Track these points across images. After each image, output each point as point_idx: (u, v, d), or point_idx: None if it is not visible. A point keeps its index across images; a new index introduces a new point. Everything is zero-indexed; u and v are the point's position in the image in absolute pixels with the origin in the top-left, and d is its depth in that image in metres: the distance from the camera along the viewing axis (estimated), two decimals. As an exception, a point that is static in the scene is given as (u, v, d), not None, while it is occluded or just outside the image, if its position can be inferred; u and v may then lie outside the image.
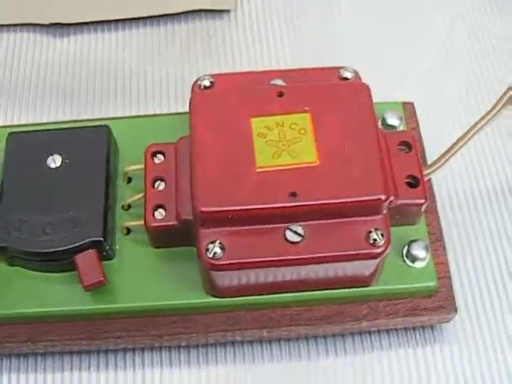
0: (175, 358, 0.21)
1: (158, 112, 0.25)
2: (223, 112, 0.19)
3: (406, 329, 0.22)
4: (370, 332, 0.22)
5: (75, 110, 0.26)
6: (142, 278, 0.20)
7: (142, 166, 0.21)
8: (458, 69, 0.27)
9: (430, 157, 0.22)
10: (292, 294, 0.20)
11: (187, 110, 0.22)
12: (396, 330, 0.22)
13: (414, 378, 0.21)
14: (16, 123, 0.25)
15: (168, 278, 0.20)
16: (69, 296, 0.20)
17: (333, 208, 0.18)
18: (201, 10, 0.27)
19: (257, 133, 0.19)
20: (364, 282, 0.20)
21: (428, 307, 0.20)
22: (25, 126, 0.23)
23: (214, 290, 0.20)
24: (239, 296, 0.20)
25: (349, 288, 0.20)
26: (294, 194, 0.18)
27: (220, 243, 0.18)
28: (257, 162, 0.18)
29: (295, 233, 0.18)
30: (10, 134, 0.22)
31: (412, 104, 0.23)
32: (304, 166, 0.18)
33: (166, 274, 0.20)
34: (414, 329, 0.22)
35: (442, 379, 0.21)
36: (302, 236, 0.18)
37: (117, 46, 0.27)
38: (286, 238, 0.18)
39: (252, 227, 0.18)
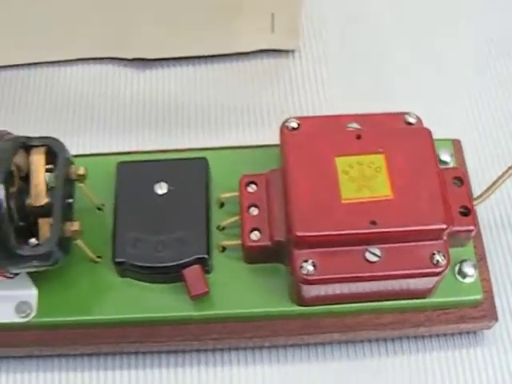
0: (259, 357, 0.26)
1: (234, 141, 0.29)
2: (311, 151, 0.24)
3: (452, 334, 0.26)
4: (422, 336, 0.26)
5: (159, 138, 0.30)
6: (236, 289, 0.25)
7: (236, 194, 0.25)
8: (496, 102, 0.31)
9: (474, 186, 0.27)
10: (364, 304, 0.24)
11: (261, 141, 0.26)
12: (444, 334, 0.26)
13: (460, 375, 0.25)
14: (107, 151, 0.29)
15: (258, 289, 0.24)
16: (173, 304, 0.24)
17: (404, 234, 0.23)
18: (268, 50, 0.31)
19: (341, 170, 0.23)
20: (423, 294, 0.24)
21: (474, 316, 0.25)
22: (126, 154, 0.27)
23: (299, 299, 0.24)
24: (319, 305, 0.24)
25: (411, 299, 0.24)
26: (373, 223, 0.22)
27: (312, 262, 0.22)
28: (342, 194, 0.23)
29: (373, 254, 0.23)
30: (120, 163, 0.26)
31: (459, 141, 0.28)
32: (381, 199, 0.23)
33: (257, 286, 0.24)
34: (459, 334, 0.26)
35: (482, 377, 0.26)
36: (379, 257, 0.23)
37: (195, 80, 0.31)
38: (365, 258, 0.23)
39: (338, 249, 0.23)
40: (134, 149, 0.30)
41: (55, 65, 0.32)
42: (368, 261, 0.23)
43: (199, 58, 0.32)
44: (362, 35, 0.32)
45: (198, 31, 0.31)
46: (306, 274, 0.22)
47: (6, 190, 0.22)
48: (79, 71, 0.32)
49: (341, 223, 0.22)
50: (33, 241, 0.22)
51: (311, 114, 0.29)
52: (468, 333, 0.26)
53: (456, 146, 0.27)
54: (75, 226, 0.23)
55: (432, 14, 0.33)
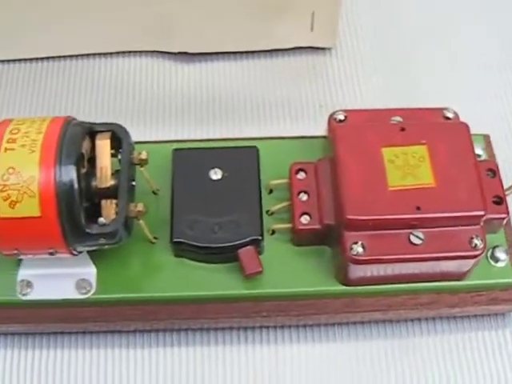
0: (303, 335, 0.28)
1: (275, 132, 0.31)
2: (359, 141, 0.26)
3: (482, 315, 0.29)
4: (455, 317, 0.28)
5: (204, 129, 0.32)
6: (285, 270, 0.26)
7: (285, 181, 0.27)
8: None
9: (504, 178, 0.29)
10: (403, 285, 0.26)
11: (301, 133, 0.28)
12: (476, 316, 0.28)
13: (490, 356, 0.27)
14: (154, 139, 0.31)
15: (306, 270, 0.26)
16: (225, 282, 0.26)
17: (446, 219, 0.25)
18: (307, 47, 0.34)
19: (387, 159, 0.25)
20: (458, 277, 0.26)
21: (505, 298, 0.27)
22: (179, 141, 0.29)
23: (344, 279, 0.26)
24: (363, 285, 0.26)
25: (447, 281, 0.26)
26: (418, 208, 0.24)
27: (362, 243, 0.24)
28: (388, 181, 0.25)
29: (417, 237, 0.25)
30: (175, 149, 0.28)
31: (489, 136, 0.30)
32: (424, 186, 0.25)
33: (304, 267, 0.26)
34: (489, 315, 0.28)
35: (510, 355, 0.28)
36: (422, 240, 0.25)
37: (236, 74, 0.34)
38: (410, 241, 0.25)
39: (385, 232, 0.25)
40: (179, 138, 0.32)
41: (107, 56, 0.34)
42: (412, 243, 0.25)
43: (240, 53, 0.34)
44: (395, 33, 0.35)
45: (241, 27, 0.33)
46: (356, 255, 0.24)
47: (77, 171, 0.24)
48: (122, 65, 0.34)
49: (388, 208, 0.24)
50: (101, 220, 0.24)
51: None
52: (497, 315, 0.28)
53: (486, 140, 0.30)
54: (139, 207, 0.25)
55: (460, 13, 0.35)
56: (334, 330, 0.28)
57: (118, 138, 0.25)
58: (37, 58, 0.34)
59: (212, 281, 0.26)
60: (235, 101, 0.33)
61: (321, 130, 0.29)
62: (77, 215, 0.24)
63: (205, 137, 0.31)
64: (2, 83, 0.33)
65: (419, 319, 0.28)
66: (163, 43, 0.33)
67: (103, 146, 0.25)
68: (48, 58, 0.34)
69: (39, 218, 0.23)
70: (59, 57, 0.34)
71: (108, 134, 0.25)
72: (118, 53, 0.34)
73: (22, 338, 0.27)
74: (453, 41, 0.34)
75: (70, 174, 0.23)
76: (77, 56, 0.34)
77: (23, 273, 0.26)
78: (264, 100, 0.33)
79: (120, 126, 0.26)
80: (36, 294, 0.26)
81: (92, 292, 0.26)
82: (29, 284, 0.27)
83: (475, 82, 0.33)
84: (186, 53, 0.33)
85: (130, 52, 0.34)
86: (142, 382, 0.27)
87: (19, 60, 0.34)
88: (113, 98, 0.32)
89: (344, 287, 0.26)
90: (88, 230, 0.24)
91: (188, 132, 0.32)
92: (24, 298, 0.26)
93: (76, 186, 0.24)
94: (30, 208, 0.23)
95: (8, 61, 0.34)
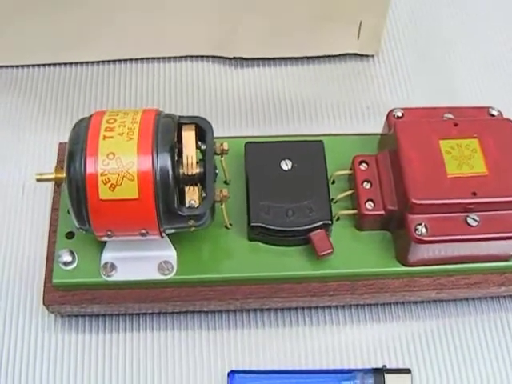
0: (362, 315, 0.31)
1: (326, 131, 0.35)
2: (418, 134, 0.29)
3: None
4: (498, 297, 0.32)
5: (261, 128, 0.35)
6: (350, 252, 0.30)
7: (348, 172, 0.31)
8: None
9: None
10: (456, 266, 0.30)
11: (350, 131, 0.32)
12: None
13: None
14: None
15: (369, 252, 0.30)
16: (297, 263, 0.29)
17: (499, 204, 0.28)
18: (352, 54, 0.38)
19: (444, 150, 0.29)
20: (506, 258, 0.30)
21: (547, 278, 0.31)
22: (249, 137, 0.32)
23: (405, 260, 0.29)
24: (421, 265, 0.29)
25: (494, 262, 0.30)
26: (474, 193, 0.28)
27: (425, 225, 0.28)
28: (447, 170, 0.28)
29: (474, 219, 0.28)
30: (247, 143, 0.31)
31: None
32: (479, 174, 0.28)
33: (368, 249, 0.30)
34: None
35: None
36: (478, 222, 0.28)
37: (287, 78, 0.37)
38: (467, 223, 0.28)
39: (445, 215, 0.28)
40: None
41: (166, 60, 0.37)
42: (469, 225, 0.28)
43: (291, 58, 0.37)
44: (432, 41, 0.39)
45: (293, 35, 0.36)
46: (420, 235, 0.28)
47: (172, 158, 0.27)
48: (182, 68, 0.37)
49: (448, 193, 0.28)
50: (192, 203, 0.27)
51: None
52: (536, 295, 0.32)
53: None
54: (224, 192, 0.28)
55: (491, 18, 0.40)
56: (391, 309, 0.31)
57: (202, 130, 0.29)
58: (109, 61, 0.37)
59: (284, 262, 0.29)
60: (289, 103, 0.36)
61: (369, 128, 0.33)
62: (171, 198, 0.27)
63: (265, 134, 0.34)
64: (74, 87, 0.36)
65: (467, 299, 0.32)
66: (220, 49, 0.37)
67: (189, 136, 0.28)
68: (121, 60, 0.37)
69: (137, 200, 0.26)
70: (122, 60, 0.37)
71: (193, 126, 0.28)
72: (175, 57, 0.37)
73: (107, 318, 0.30)
74: (484, 43, 0.39)
75: (166, 160, 0.26)
76: (141, 59, 0.37)
77: (107, 256, 0.29)
78: (315, 102, 0.36)
79: (203, 119, 0.28)
80: (120, 275, 0.29)
81: (173, 273, 0.29)
82: (113, 266, 0.29)
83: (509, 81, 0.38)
84: (240, 58, 0.37)
85: (188, 56, 0.37)
86: (215, 358, 0.29)
87: (98, 62, 0.37)
88: (174, 98, 0.36)
89: (404, 268, 0.29)
90: (180, 212, 0.27)
91: (246, 130, 0.35)
92: (109, 279, 0.29)
93: (171, 171, 0.26)
94: (129, 190, 0.26)
95: (92, 62, 0.37)
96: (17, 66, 0.37)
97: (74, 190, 0.26)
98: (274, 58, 0.37)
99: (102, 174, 0.26)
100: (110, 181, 0.26)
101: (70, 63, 0.37)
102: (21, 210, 0.33)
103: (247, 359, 0.30)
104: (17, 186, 0.34)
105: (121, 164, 0.26)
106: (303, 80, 0.37)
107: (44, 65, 0.37)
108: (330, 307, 0.31)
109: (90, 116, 0.28)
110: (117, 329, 0.30)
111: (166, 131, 0.27)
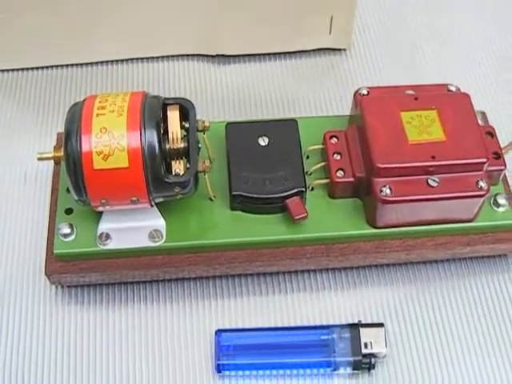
0: (339, 280, 0.34)
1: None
2: (382, 109, 0.33)
3: (488, 256, 0.35)
4: (465, 258, 0.35)
5: (238, 117, 0.39)
6: (325, 217, 0.34)
7: (320, 146, 0.34)
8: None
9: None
10: (422, 227, 0.33)
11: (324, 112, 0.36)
12: (482, 257, 0.35)
13: (498, 289, 0.34)
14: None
15: (342, 217, 0.34)
16: (275, 229, 0.33)
17: (456, 166, 0.32)
18: (326, 48, 0.42)
19: (405, 121, 0.33)
20: (468, 219, 0.33)
21: (508, 238, 0.34)
22: (230, 122, 0.36)
23: (374, 222, 0.33)
24: (389, 228, 0.33)
25: (459, 223, 0.33)
26: (433, 157, 0.32)
27: (389, 187, 0.31)
28: (408, 137, 0.32)
29: (434, 181, 0.32)
30: (228, 123, 0.35)
31: (484, 112, 0.37)
32: (437, 140, 0.32)
33: (340, 215, 0.34)
34: (494, 256, 0.35)
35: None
36: (438, 183, 0.32)
37: (266, 73, 0.42)
38: (428, 184, 0.32)
39: (408, 177, 0.32)
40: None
41: (148, 61, 0.42)
42: (430, 186, 0.32)
43: (269, 54, 0.42)
44: (399, 34, 0.43)
45: (270, 33, 0.41)
46: (385, 196, 0.32)
47: (157, 132, 0.31)
48: (169, 67, 0.42)
49: (409, 157, 0.32)
50: (177, 171, 0.31)
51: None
52: (500, 256, 0.35)
53: (483, 115, 0.37)
54: (206, 163, 0.32)
55: (454, 12, 0.45)
56: (366, 272, 0.35)
57: (185, 109, 0.32)
58: (97, 62, 0.42)
59: (264, 228, 0.33)
60: (268, 95, 0.41)
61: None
62: (158, 166, 0.30)
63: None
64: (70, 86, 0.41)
65: (436, 261, 0.35)
66: (203, 47, 0.41)
67: (174, 115, 0.32)
68: (106, 61, 0.42)
69: (127, 169, 0.30)
70: (109, 61, 0.42)
71: (177, 106, 0.32)
72: (161, 57, 0.42)
73: (104, 288, 0.34)
74: (449, 36, 0.44)
75: (152, 132, 0.30)
76: (127, 60, 0.42)
77: (102, 227, 0.33)
78: (293, 93, 0.41)
79: (187, 100, 0.33)
80: (115, 244, 0.33)
81: (163, 241, 0.33)
82: (108, 236, 0.33)
83: (467, 72, 0.42)
84: (222, 55, 0.42)
85: (173, 56, 0.42)
86: (204, 320, 0.33)
87: (87, 64, 0.42)
88: (161, 95, 0.39)
89: (374, 230, 0.33)
90: (166, 180, 0.31)
91: (228, 117, 0.39)
92: (104, 247, 0.33)
93: (157, 143, 0.30)
94: (120, 160, 0.30)
95: (76, 65, 0.42)
96: (18, 70, 0.42)
97: (72, 163, 0.31)
98: (253, 55, 0.42)
99: (95, 147, 0.30)
100: (102, 152, 0.30)
101: (62, 65, 0.42)
102: (23, 196, 0.37)
103: (233, 320, 0.34)
104: (19, 176, 0.38)
105: (112, 137, 0.30)
106: (281, 74, 0.42)
107: (38, 68, 0.42)
108: (308, 272, 0.35)
109: (84, 99, 0.32)
110: (113, 297, 0.34)
111: (152, 109, 0.31)
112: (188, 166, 0.32)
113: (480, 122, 0.36)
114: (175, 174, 0.31)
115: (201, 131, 0.33)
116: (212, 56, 0.42)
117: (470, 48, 0.44)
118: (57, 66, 0.42)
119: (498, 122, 0.38)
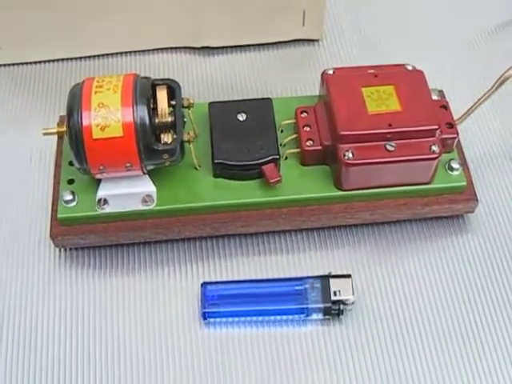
0: (312, 239, 0.40)
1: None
2: (345, 85, 0.39)
3: (446, 217, 0.41)
4: (420, 220, 0.40)
5: (220, 98, 0.45)
6: (297, 183, 0.39)
7: (292, 121, 0.40)
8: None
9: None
10: (385, 189, 0.39)
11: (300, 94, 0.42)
12: (441, 217, 0.40)
13: (455, 244, 0.40)
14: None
15: (312, 182, 0.39)
16: (253, 193, 0.39)
17: (411, 132, 0.38)
18: (300, 40, 0.48)
19: (366, 95, 0.39)
20: (426, 181, 0.39)
21: (462, 198, 0.40)
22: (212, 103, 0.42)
23: (340, 185, 0.38)
24: (355, 190, 0.38)
25: (417, 185, 0.39)
26: (390, 125, 0.37)
27: (351, 152, 0.37)
28: (368, 109, 0.38)
29: (391, 146, 0.37)
30: (211, 103, 0.40)
31: (442, 90, 0.43)
32: (394, 111, 0.38)
33: (311, 180, 0.39)
34: (450, 217, 0.41)
35: (467, 253, 0.40)
36: (394, 147, 0.37)
37: (247, 63, 0.48)
38: (386, 149, 0.37)
39: (368, 144, 0.37)
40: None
41: (140, 53, 0.48)
42: (388, 150, 0.37)
43: (248, 45, 0.48)
44: (368, 24, 0.50)
45: (249, 26, 0.47)
46: (348, 159, 0.37)
47: (148, 106, 0.36)
48: (158, 58, 0.48)
49: (369, 125, 0.38)
50: (165, 140, 0.36)
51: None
52: (457, 216, 0.41)
53: (440, 93, 0.43)
54: (191, 133, 0.37)
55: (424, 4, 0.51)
56: (336, 232, 0.40)
57: (172, 89, 0.38)
58: (93, 56, 0.48)
59: (243, 193, 0.39)
60: (249, 83, 0.47)
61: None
62: (148, 136, 0.36)
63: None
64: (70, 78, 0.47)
65: (399, 222, 0.40)
66: (188, 40, 0.48)
67: (162, 93, 0.38)
68: (101, 55, 0.48)
69: (122, 138, 0.36)
70: (101, 55, 0.48)
71: (165, 86, 0.38)
72: (148, 50, 0.48)
73: (102, 249, 0.39)
74: (413, 22, 0.50)
75: (143, 105, 0.36)
76: (120, 53, 0.48)
77: (101, 193, 0.39)
78: (271, 81, 0.47)
79: (173, 80, 0.38)
80: (111, 208, 0.38)
81: (154, 205, 0.38)
82: (105, 201, 0.39)
83: (432, 58, 0.48)
84: (207, 47, 0.48)
85: (159, 49, 0.48)
86: (191, 275, 0.38)
87: (84, 57, 0.48)
88: None
89: (341, 192, 0.39)
90: (156, 147, 0.36)
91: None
92: (102, 211, 0.38)
93: (147, 115, 0.36)
94: (116, 130, 0.36)
95: (75, 58, 0.48)
96: (24, 63, 0.48)
97: (74, 134, 0.36)
98: (235, 46, 0.48)
99: (94, 119, 0.36)
100: (100, 124, 0.36)
101: (62, 59, 0.48)
102: (29, 172, 0.43)
103: (218, 274, 0.39)
104: (25, 156, 0.44)
105: (109, 110, 0.36)
106: (260, 63, 0.48)
107: (40, 62, 0.48)
108: (284, 232, 0.40)
109: (83, 81, 0.38)
110: (110, 258, 0.40)
111: (143, 87, 0.37)
112: (175, 136, 0.38)
113: (437, 97, 0.42)
114: (163, 143, 0.37)
115: (186, 107, 0.39)
116: (197, 48, 0.49)
117: (432, 32, 0.50)
118: (57, 60, 0.49)
119: (456, 98, 0.43)
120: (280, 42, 0.49)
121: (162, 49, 0.49)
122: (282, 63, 0.48)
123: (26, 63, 0.49)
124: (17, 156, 0.44)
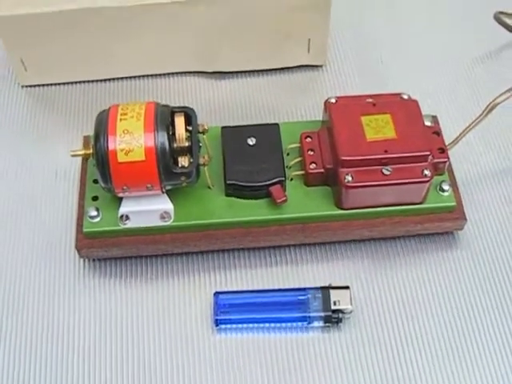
0: (314, 253, 0.45)
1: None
2: (346, 114, 0.43)
3: (437, 233, 0.45)
4: (413, 236, 0.45)
5: (231, 123, 0.49)
6: (301, 202, 0.44)
7: (297, 145, 0.45)
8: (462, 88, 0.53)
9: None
10: (381, 209, 0.44)
11: (304, 119, 0.46)
12: (433, 234, 0.45)
13: (446, 261, 0.45)
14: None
15: (315, 202, 0.44)
16: (262, 211, 0.44)
17: (405, 158, 0.42)
18: (305, 65, 0.53)
19: (365, 123, 0.43)
20: (418, 201, 0.43)
21: (451, 217, 0.45)
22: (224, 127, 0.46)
23: (341, 205, 0.43)
24: (354, 209, 0.43)
25: (411, 205, 0.43)
26: (386, 151, 0.42)
27: (351, 175, 0.41)
28: (366, 136, 0.43)
29: (387, 170, 0.42)
30: (223, 127, 0.45)
31: (436, 116, 0.48)
32: (390, 138, 0.43)
33: (314, 199, 0.44)
34: (441, 234, 0.46)
35: (456, 267, 0.45)
36: (390, 171, 0.42)
37: (256, 86, 0.53)
38: (382, 172, 0.42)
39: (366, 168, 0.42)
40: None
41: (156, 77, 0.54)
42: (384, 174, 0.42)
43: (258, 71, 0.54)
44: (365, 51, 0.55)
45: (258, 52, 0.52)
46: (348, 182, 0.42)
47: (167, 133, 0.41)
48: (173, 82, 0.53)
49: (367, 151, 0.42)
50: (183, 163, 0.41)
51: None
52: (447, 233, 0.46)
53: (434, 119, 0.48)
54: (206, 157, 0.42)
55: (411, 28, 0.57)
56: (336, 248, 0.45)
57: (189, 116, 0.42)
58: (115, 78, 0.53)
59: (252, 211, 0.44)
60: (257, 105, 0.52)
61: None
62: (167, 159, 0.41)
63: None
64: (92, 99, 0.53)
65: (394, 238, 0.45)
66: (202, 65, 0.53)
67: (180, 120, 0.42)
68: (122, 78, 0.53)
69: (144, 162, 0.41)
70: (119, 78, 0.53)
71: (182, 113, 0.43)
72: (165, 74, 0.54)
73: (123, 261, 0.44)
74: (409, 50, 0.55)
75: (163, 133, 0.41)
76: (138, 77, 0.54)
77: (123, 210, 0.43)
78: (278, 104, 0.52)
79: (190, 108, 0.43)
80: (132, 224, 0.43)
81: (171, 221, 0.43)
82: (127, 217, 0.43)
83: (426, 80, 0.54)
84: (218, 72, 0.53)
85: (178, 73, 0.54)
86: (204, 285, 0.43)
87: (105, 80, 0.53)
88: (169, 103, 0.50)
89: (341, 211, 0.44)
90: (174, 170, 0.41)
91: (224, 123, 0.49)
92: (124, 226, 0.43)
93: (167, 141, 0.41)
94: (139, 154, 0.40)
95: (98, 80, 0.54)
96: (49, 85, 0.54)
97: (100, 158, 0.41)
98: (245, 71, 0.54)
99: (119, 144, 0.41)
100: (125, 148, 0.41)
101: (86, 81, 0.54)
102: (55, 188, 0.48)
103: (228, 285, 0.44)
104: (51, 172, 0.49)
105: (132, 137, 0.41)
106: (267, 87, 0.53)
107: (66, 83, 0.54)
108: (289, 246, 0.45)
109: (109, 108, 0.42)
110: (130, 268, 0.45)
111: (163, 115, 0.42)
112: (191, 160, 0.42)
113: (430, 123, 0.47)
114: (181, 166, 0.42)
115: (201, 133, 0.43)
116: (210, 72, 0.54)
117: (428, 58, 0.55)
118: (82, 82, 0.54)
119: (449, 123, 0.49)
120: (286, 68, 0.54)
121: (176, 73, 0.54)
122: (288, 87, 0.53)
123: (50, 84, 0.54)
124: (43, 172, 0.49)
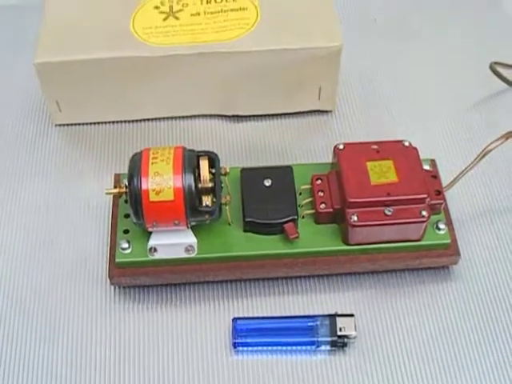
0: (323, 284, 0.51)
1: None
2: (353, 159, 0.50)
3: (434, 268, 0.51)
4: (417, 269, 0.51)
5: (247, 163, 0.57)
6: (311, 238, 0.50)
7: (309, 186, 0.51)
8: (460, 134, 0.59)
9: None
10: (384, 245, 0.50)
11: (312, 161, 0.52)
12: (430, 268, 0.51)
13: (441, 294, 0.51)
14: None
15: (324, 238, 0.51)
16: (276, 245, 0.50)
17: (405, 200, 0.49)
18: (315, 110, 0.60)
19: (370, 168, 0.50)
20: (417, 239, 0.49)
21: (447, 253, 0.51)
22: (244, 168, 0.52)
23: (347, 241, 0.49)
24: (359, 245, 0.49)
25: (410, 242, 0.49)
26: (388, 194, 0.48)
27: (356, 215, 0.47)
28: (371, 180, 0.49)
29: (389, 211, 0.48)
30: (242, 169, 0.51)
31: (434, 160, 0.54)
32: (392, 182, 0.49)
33: (323, 236, 0.51)
34: (438, 268, 0.52)
35: (451, 299, 0.51)
36: (392, 212, 0.48)
37: (271, 129, 0.60)
38: (385, 213, 0.48)
39: (370, 208, 0.48)
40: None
41: (179, 119, 0.61)
42: (386, 214, 0.48)
43: (272, 115, 0.61)
44: (372, 99, 0.62)
45: (274, 98, 0.59)
46: (354, 221, 0.48)
47: (194, 175, 0.47)
48: (196, 123, 0.60)
49: (372, 194, 0.49)
50: (207, 203, 0.47)
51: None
52: (442, 268, 0.52)
53: (432, 162, 0.54)
54: (227, 197, 0.48)
55: (414, 78, 0.64)
56: (342, 279, 0.51)
57: (212, 160, 0.49)
58: (142, 120, 0.61)
59: (267, 245, 0.50)
60: (271, 147, 0.59)
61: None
62: (193, 200, 0.47)
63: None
64: (120, 138, 0.60)
65: (395, 271, 0.51)
66: (221, 109, 0.60)
67: (204, 163, 0.49)
68: (149, 119, 0.61)
69: (172, 201, 0.47)
70: (149, 119, 0.60)
71: (206, 157, 0.49)
72: (192, 116, 0.61)
73: (150, 289, 0.51)
74: (412, 98, 0.63)
75: (190, 176, 0.47)
76: (162, 118, 0.61)
77: (152, 243, 0.50)
78: (290, 145, 0.59)
79: (213, 152, 0.50)
80: (160, 255, 0.50)
81: (195, 253, 0.50)
82: (155, 249, 0.50)
83: (426, 128, 0.60)
84: (237, 115, 0.60)
85: (199, 115, 0.61)
86: (224, 311, 0.50)
87: (133, 121, 0.60)
88: (188, 146, 0.56)
89: (348, 247, 0.50)
90: (199, 209, 0.47)
91: (241, 165, 0.56)
92: (152, 257, 0.49)
93: (193, 183, 0.47)
94: (168, 195, 0.47)
95: (126, 121, 0.61)
96: (80, 124, 0.61)
97: (134, 197, 0.47)
98: (260, 115, 0.61)
99: (151, 185, 0.47)
100: (155, 189, 0.47)
101: (116, 121, 0.61)
102: (87, 222, 0.55)
103: (245, 311, 0.50)
104: (83, 207, 0.56)
105: (162, 179, 0.47)
106: (281, 130, 0.60)
107: (97, 123, 0.61)
108: (300, 277, 0.52)
109: (141, 151, 0.49)
110: (158, 295, 0.51)
111: (189, 159, 0.48)
112: (214, 199, 0.49)
113: (429, 167, 0.53)
114: (205, 205, 0.48)
115: (223, 175, 0.50)
116: (229, 116, 0.61)
117: (428, 105, 0.62)
118: (112, 122, 0.61)
119: (447, 164, 0.56)
120: (299, 112, 0.61)
121: (198, 115, 0.61)
122: (300, 130, 0.60)
123: (82, 124, 0.61)
124: (77, 205, 0.56)
